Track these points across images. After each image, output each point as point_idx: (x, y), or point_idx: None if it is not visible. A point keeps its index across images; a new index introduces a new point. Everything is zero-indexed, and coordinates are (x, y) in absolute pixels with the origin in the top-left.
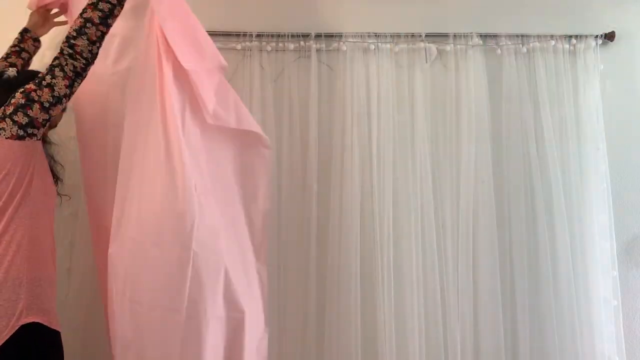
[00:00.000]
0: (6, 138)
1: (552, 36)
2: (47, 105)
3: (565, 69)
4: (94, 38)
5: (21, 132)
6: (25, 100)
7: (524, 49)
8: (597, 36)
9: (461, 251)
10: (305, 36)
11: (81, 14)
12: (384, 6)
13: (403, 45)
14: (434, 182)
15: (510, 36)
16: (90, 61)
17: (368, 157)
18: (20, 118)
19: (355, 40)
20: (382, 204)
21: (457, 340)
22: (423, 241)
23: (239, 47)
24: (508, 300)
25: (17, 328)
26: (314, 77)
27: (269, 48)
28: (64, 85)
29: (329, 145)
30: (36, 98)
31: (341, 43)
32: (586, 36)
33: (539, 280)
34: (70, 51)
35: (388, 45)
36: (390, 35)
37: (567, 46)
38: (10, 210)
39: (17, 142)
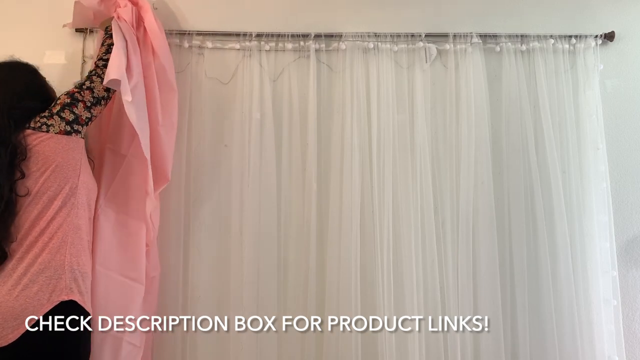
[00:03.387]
0: (55, 133)
1: (551, 36)
2: (89, 104)
3: (565, 68)
4: None
5: (68, 128)
6: (71, 100)
7: (524, 49)
8: (596, 36)
9: (461, 251)
10: (305, 36)
11: (103, 43)
12: (384, 6)
13: (403, 45)
14: (433, 182)
15: (510, 36)
16: None
17: (368, 156)
18: (67, 115)
19: (355, 40)
20: (382, 204)
21: (457, 340)
22: (423, 241)
23: (238, 47)
24: (508, 300)
25: (56, 303)
26: (314, 77)
27: (268, 48)
28: (102, 89)
29: (328, 145)
30: (80, 98)
31: (341, 43)
32: (586, 36)
33: (539, 280)
34: (105, 63)
35: (388, 45)
36: (390, 35)
37: (566, 46)
38: (58, 200)
39: (65, 137)
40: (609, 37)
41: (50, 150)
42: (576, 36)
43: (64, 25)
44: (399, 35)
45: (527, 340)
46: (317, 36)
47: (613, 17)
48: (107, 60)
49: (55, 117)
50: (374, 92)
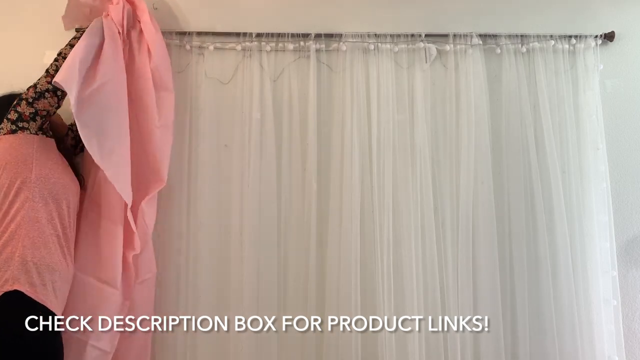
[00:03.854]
0: (3, 134)
1: (551, 36)
2: (31, 100)
3: (565, 69)
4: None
5: (13, 127)
6: (17, 101)
7: (524, 49)
8: (596, 36)
9: (461, 251)
10: (305, 36)
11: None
12: (384, 6)
13: (403, 46)
14: (433, 182)
15: (510, 36)
16: None
17: (368, 156)
18: (12, 115)
19: (355, 40)
20: (382, 204)
21: (457, 340)
22: (423, 241)
23: (238, 47)
24: (508, 300)
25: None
26: (314, 77)
27: (268, 48)
28: (46, 82)
29: (328, 145)
30: (24, 96)
31: (341, 43)
32: (586, 36)
33: (539, 280)
34: (56, 56)
35: (388, 46)
36: (390, 36)
37: (566, 46)
38: (10, 195)
39: (12, 135)
40: (609, 37)
41: (0, 151)
42: (576, 36)
43: (64, 24)
44: (399, 36)
45: (527, 340)
46: (318, 36)
47: (613, 17)
48: (60, 52)
49: (5, 120)
50: (374, 92)
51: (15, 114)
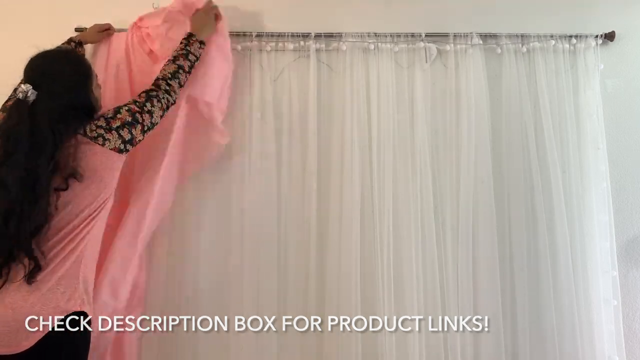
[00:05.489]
0: (110, 149)
1: (552, 36)
2: (146, 128)
3: (566, 68)
4: (183, 83)
5: (122, 147)
6: (132, 119)
7: (524, 49)
8: (597, 36)
9: (461, 251)
10: (305, 36)
11: (174, 61)
12: (384, 6)
13: (403, 45)
14: (433, 181)
15: (510, 36)
16: (176, 101)
17: (368, 156)
18: (125, 134)
19: (355, 40)
20: (382, 203)
21: (457, 340)
22: (423, 241)
23: (239, 47)
24: (508, 300)
25: (70, 312)
26: (314, 77)
27: (268, 48)
28: (159, 115)
29: (329, 145)
30: (140, 120)
31: (341, 43)
32: (586, 36)
33: (539, 280)
34: (168, 88)
35: (388, 45)
36: (390, 35)
37: (567, 46)
38: (89, 212)
39: (117, 154)
40: (609, 37)
41: (99, 164)
42: (576, 36)
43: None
44: (399, 35)
45: (527, 340)
46: (317, 36)
47: (613, 17)
48: (171, 85)
49: (114, 132)
50: (374, 92)
51: (129, 135)
